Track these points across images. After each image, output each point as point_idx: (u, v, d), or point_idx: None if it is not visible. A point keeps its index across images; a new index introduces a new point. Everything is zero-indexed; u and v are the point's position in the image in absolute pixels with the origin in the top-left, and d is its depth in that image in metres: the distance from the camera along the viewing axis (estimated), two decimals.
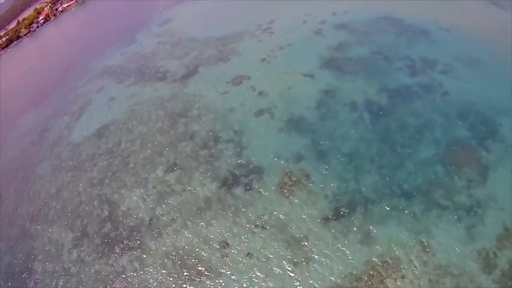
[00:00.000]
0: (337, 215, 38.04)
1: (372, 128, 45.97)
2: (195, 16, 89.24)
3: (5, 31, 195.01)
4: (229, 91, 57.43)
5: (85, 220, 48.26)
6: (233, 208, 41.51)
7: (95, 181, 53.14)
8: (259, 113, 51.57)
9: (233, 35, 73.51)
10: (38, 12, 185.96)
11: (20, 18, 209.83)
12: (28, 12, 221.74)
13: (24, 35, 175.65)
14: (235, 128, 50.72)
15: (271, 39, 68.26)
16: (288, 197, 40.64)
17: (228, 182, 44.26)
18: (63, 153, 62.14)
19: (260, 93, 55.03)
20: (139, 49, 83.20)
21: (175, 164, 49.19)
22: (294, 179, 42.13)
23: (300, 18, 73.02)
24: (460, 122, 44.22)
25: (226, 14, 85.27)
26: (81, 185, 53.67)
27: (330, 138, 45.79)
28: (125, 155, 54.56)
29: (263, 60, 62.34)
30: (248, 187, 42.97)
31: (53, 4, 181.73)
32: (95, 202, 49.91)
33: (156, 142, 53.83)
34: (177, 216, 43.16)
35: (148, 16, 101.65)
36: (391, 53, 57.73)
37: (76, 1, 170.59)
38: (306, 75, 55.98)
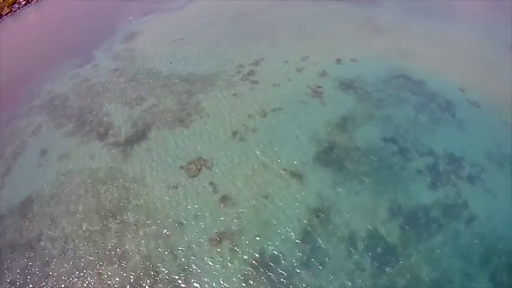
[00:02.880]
0: None
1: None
2: (164, 36, 70.61)
3: None
4: (182, 185, 40.74)
5: None
6: None
7: None
8: (218, 239, 35.29)
9: (203, 78, 55.84)
10: None
11: None
12: None
13: (5, 14, 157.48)
14: (181, 260, 34.69)
15: (251, 95, 50.89)
16: None
17: None
18: None
19: (223, 199, 38.58)
20: (92, 75, 65.33)
21: None
22: None
23: (293, 62, 55.65)
24: (481, 270, 31.35)
25: (200, 38, 66.50)
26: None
27: None
28: (45, 260, 37.92)
29: (234, 134, 45.31)
30: None
31: None
32: None
33: (78, 254, 37.60)
34: None
35: (116, 24, 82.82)
36: (409, 143, 42.27)
37: None
38: (292, 175, 39.64)
